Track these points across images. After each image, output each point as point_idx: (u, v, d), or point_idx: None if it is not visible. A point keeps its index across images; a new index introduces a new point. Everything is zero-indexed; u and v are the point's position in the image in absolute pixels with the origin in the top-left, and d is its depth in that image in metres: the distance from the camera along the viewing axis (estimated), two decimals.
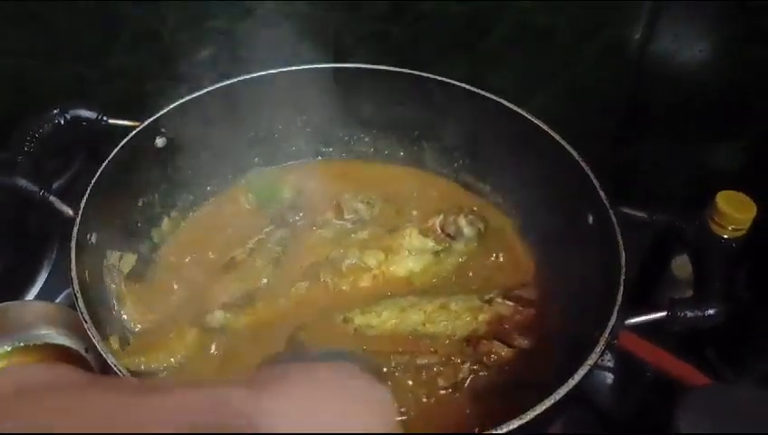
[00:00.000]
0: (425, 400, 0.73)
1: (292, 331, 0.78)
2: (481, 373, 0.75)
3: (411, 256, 0.86)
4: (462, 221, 0.88)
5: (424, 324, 0.78)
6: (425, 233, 0.87)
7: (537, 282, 0.84)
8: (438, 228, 0.88)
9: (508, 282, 0.83)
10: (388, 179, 0.98)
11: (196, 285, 0.84)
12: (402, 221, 0.91)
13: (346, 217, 0.92)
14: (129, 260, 0.85)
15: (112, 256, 0.82)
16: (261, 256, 0.87)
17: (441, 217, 0.89)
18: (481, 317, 0.78)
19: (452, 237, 0.88)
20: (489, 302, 0.79)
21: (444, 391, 0.73)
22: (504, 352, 0.76)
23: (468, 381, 0.74)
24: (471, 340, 0.77)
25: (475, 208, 0.90)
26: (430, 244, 0.87)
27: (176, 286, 0.85)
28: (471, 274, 0.86)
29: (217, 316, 0.80)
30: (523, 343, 0.76)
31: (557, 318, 0.79)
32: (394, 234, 0.88)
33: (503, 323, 0.78)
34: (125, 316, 0.80)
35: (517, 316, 0.78)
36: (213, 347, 0.79)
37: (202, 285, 0.84)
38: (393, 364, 0.75)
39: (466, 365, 0.75)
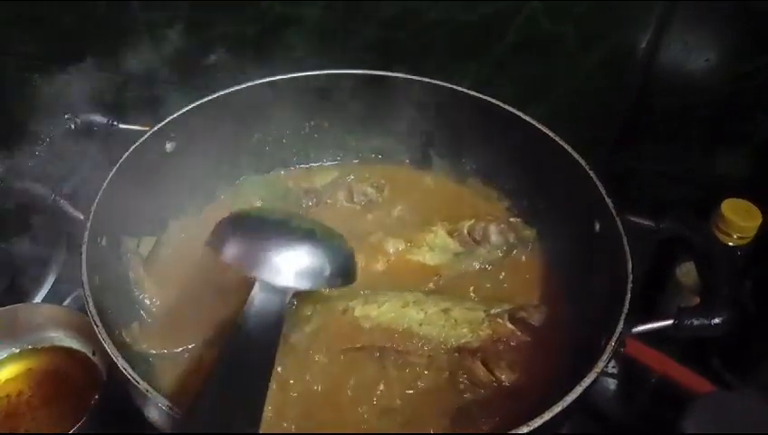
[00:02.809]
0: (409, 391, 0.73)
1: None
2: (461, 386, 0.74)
3: (431, 251, 0.86)
4: (492, 229, 0.87)
5: (420, 325, 0.77)
6: (451, 234, 0.88)
7: (545, 296, 0.83)
8: (466, 232, 0.88)
9: (518, 297, 0.82)
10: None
11: (214, 261, 0.83)
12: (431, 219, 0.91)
13: (356, 200, 0.94)
14: (148, 243, 0.86)
15: (130, 242, 0.83)
16: None
17: (472, 221, 0.89)
18: (479, 332, 0.76)
19: (477, 242, 0.87)
20: (493, 318, 0.78)
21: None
22: (483, 377, 0.74)
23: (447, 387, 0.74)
24: (461, 351, 0.76)
25: (511, 220, 0.90)
26: (452, 245, 0.87)
27: (193, 265, 0.86)
28: (488, 285, 0.85)
29: None
30: (506, 376, 0.74)
31: (555, 343, 0.78)
32: (422, 227, 0.88)
33: (498, 343, 0.76)
34: (146, 300, 0.81)
35: (513, 342, 0.77)
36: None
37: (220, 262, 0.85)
38: (379, 355, 0.75)
39: (445, 375, 0.74)
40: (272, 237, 0.64)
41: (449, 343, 0.76)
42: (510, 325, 0.78)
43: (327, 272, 0.66)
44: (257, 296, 0.60)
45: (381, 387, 0.73)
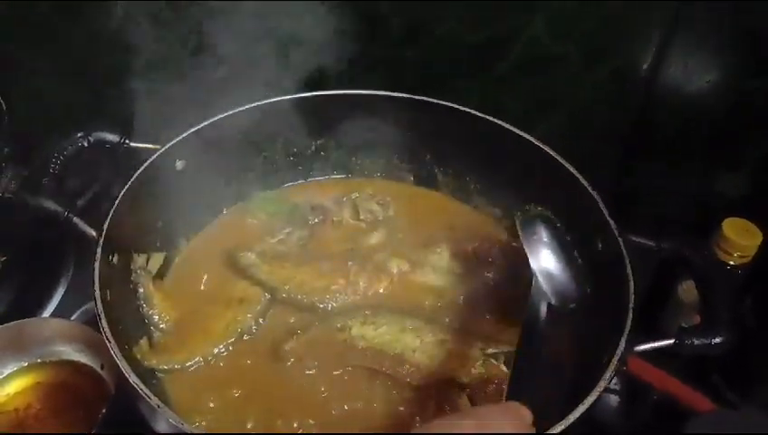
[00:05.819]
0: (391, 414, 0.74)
1: (282, 336, 0.79)
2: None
3: (434, 273, 0.86)
4: (495, 252, 0.88)
5: (414, 352, 0.76)
6: (455, 255, 0.88)
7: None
8: (470, 254, 0.88)
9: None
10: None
11: (222, 276, 0.87)
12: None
13: (362, 217, 0.95)
14: (158, 259, 0.87)
15: (139, 259, 0.84)
16: (286, 246, 0.91)
17: (477, 243, 0.89)
18: (471, 369, 0.75)
19: (481, 265, 0.87)
20: (488, 357, 0.77)
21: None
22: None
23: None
24: (450, 384, 0.74)
25: (514, 244, 0.89)
26: (456, 267, 0.87)
27: (201, 280, 0.88)
28: (491, 307, 0.84)
29: (250, 256, 0.86)
30: None
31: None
32: (426, 247, 0.89)
33: (488, 383, 0.75)
34: (155, 316, 0.82)
35: (504, 385, 0.74)
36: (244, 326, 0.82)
37: (227, 277, 0.87)
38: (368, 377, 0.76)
39: (430, 404, 0.74)
40: None
41: (439, 375, 0.75)
42: (504, 368, 0.77)
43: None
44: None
45: (364, 406, 0.74)
